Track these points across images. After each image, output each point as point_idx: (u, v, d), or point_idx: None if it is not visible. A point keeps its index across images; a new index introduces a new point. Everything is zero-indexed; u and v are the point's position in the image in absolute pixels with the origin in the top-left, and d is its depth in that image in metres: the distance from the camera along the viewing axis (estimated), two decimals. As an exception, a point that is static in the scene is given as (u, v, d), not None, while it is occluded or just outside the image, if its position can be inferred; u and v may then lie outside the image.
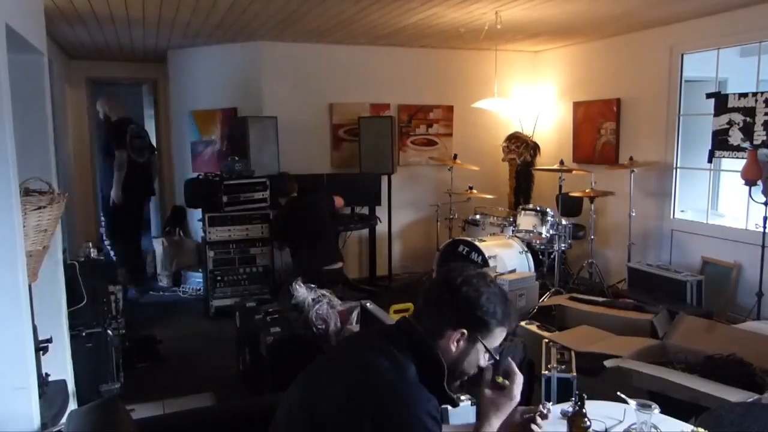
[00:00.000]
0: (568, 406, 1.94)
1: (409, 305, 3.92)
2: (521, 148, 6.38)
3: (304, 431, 1.45)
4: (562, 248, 5.20)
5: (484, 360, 1.54)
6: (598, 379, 3.20)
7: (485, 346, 1.51)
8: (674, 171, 5.31)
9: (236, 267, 5.23)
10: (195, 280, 5.92)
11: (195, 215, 6.04)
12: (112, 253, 5.63)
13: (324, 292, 3.71)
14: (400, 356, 1.45)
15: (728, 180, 5.65)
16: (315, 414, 1.43)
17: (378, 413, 1.34)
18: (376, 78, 6.34)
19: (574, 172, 5.45)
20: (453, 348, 1.49)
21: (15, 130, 1.83)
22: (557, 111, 6.59)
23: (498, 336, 1.53)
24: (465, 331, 1.48)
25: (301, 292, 3.64)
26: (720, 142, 4.75)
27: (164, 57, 6.57)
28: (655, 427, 1.83)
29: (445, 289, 1.50)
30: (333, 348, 1.72)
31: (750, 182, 4.37)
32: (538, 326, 3.88)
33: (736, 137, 4.63)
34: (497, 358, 1.55)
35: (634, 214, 5.35)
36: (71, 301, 3.05)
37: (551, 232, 5.19)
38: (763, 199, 4.33)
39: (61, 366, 2.76)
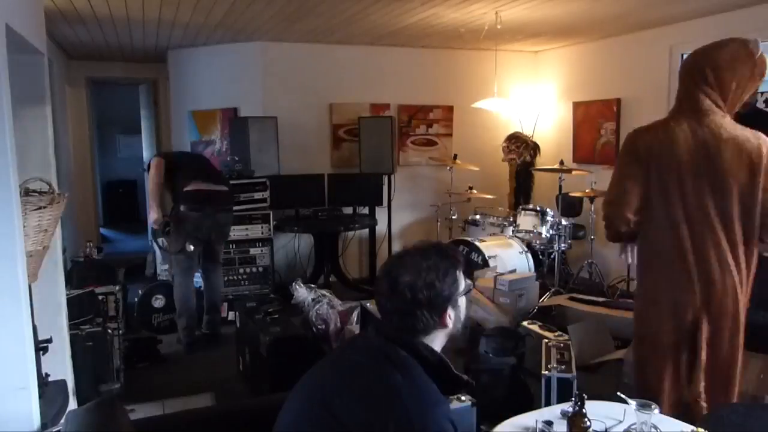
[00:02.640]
0: (568, 406, 1.94)
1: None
2: (521, 148, 6.38)
3: None
4: (562, 248, 5.20)
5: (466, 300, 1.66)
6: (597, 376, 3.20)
7: (464, 295, 1.62)
8: (674, 171, 5.31)
9: (236, 267, 5.23)
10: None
11: (195, 215, 6.03)
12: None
13: (324, 292, 3.71)
14: (406, 363, 1.49)
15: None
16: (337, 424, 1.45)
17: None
18: (376, 78, 6.34)
19: (574, 172, 5.45)
20: (449, 323, 1.57)
21: (15, 130, 1.83)
22: (557, 111, 6.59)
23: (462, 280, 1.61)
24: (449, 308, 1.56)
25: (301, 292, 3.65)
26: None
27: (164, 57, 6.57)
28: (655, 427, 1.83)
29: (405, 300, 1.53)
30: (337, 356, 1.73)
31: None
32: (540, 326, 3.89)
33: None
34: (471, 288, 1.69)
35: (634, 214, 5.34)
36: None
37: (551, 232, 5.19)
38: None
39: (61, 366, 2.76)
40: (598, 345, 3.71)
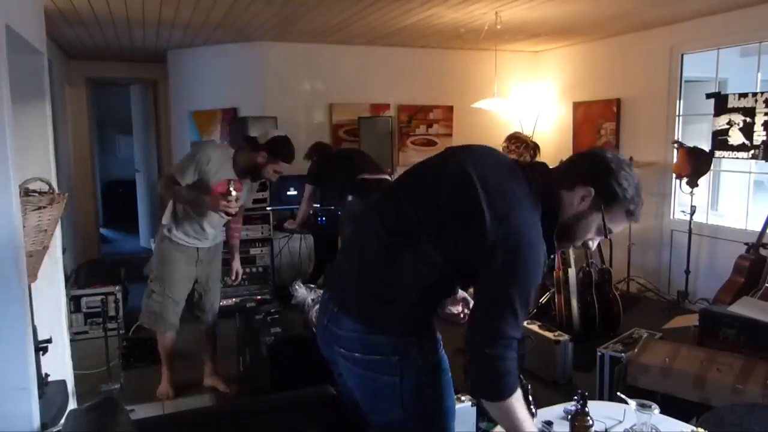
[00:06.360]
0: (570, 406, 1.94)
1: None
2: (521, 148, 6.37)
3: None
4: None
5: (594, 234, 1.57)
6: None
7: (603, 219, 1.52)
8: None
9: (236, 267, 5.23)
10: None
11: (195, 215, 6.03)
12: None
13: (324, 292, 3.70)
14: (532, 188, 1.51)
15: (728, 180, 5.66)
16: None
17: (511, 246, 1.43)
18: (376, 78, 6.34)
19: (574, 172, 5.44)
20: (575, 203, 1.53)
21: (15, 130, 1.83)
22: (557, 111, 6.58)
23: (618, 218, 1.54)
24: (592, 190, 1.50)
25: (301, 292, 3.64)
26: (720, 143, 4.75)
27: (164, 57, 6.57)
28: (655, 428, 1.83)
29: (590, 155, 1.57)
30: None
31: (681, 177, 4.91)
32: (540, 326, 3.88)
33: (736, 137, 4.63)
34: (607, 235, 1.56)
35: (634, 214, 5.34)
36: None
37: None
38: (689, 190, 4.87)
39: (61, 366, 2.75)
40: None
